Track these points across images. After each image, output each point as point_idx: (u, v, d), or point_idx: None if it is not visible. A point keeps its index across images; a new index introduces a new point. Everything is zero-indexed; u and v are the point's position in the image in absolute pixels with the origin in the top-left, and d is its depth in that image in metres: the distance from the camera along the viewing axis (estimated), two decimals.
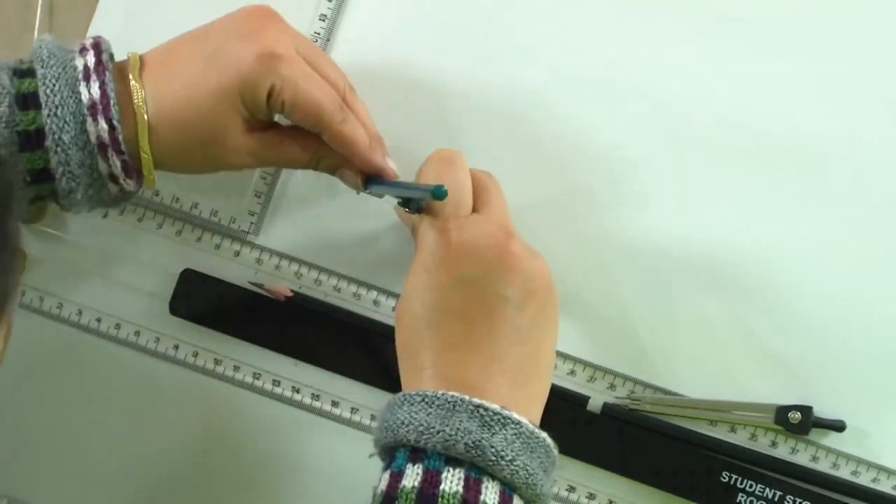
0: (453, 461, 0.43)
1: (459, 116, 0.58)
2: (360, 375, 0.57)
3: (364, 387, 0.57)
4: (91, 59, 0.49)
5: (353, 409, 0.58)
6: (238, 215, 0.58)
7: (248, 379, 0.58)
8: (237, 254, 0.59)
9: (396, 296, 0.58)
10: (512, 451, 0.44)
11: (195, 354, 0.58)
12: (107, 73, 0.48)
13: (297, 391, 0.58)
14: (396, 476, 0.44)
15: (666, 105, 0.58)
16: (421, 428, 0.44)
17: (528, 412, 0.46)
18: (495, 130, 0.58)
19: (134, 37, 0.58)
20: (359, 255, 0.58)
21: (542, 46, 0.58)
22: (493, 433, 0.44)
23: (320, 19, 0.59)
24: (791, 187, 0.57)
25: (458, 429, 0.43)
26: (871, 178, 0.57)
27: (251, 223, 0.58)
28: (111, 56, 0.50)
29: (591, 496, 0.57)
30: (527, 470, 0.44)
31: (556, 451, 0.46)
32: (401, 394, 0.46)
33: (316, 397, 0.58)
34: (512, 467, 0.43)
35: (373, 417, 0.57)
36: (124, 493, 0.58)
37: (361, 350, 0.58)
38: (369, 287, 0.58)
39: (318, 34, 0.59)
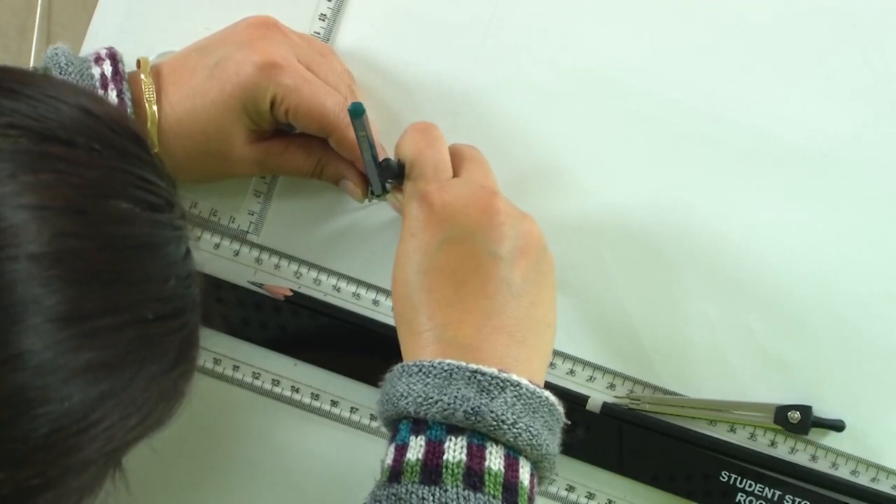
0: (455, 429, 0.43)
1: (458, 116, 0.58)
2: (359, 375, 0.57)
3: (363, 386, 0.57)
4: (108, 68, 0.50)
5: (352, 408, 0.58)
6: (237, 214, 0.58)
7: (248, 378, 0.58)
8: (236, 253, 0.59)
9: None
10: (513, 414, 0.43)
11: None
12: (124, 83, 0.49)
13: (297, 391, 0.58)
14: (401, 449, 0.44)
15: (667, 105, 0.58)
16: (419, 399, 0.44)
17: (528, 370, 0.46)
18: (495, 130, 0.58)
19: (132, 39, 0.58)
20: (358, 254, 0.58)
21: (541, 46, 0.58)
22: (493, 398, 0.43)
23: (320, 19, 0.59)
24: (792, 188, 0.57)
25: (455, 397, 0.43)
26: (873, 178, 0.57)
27: (250, 222, 0.58)
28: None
29: (591, 496, 0.57)
30: (530, 432, 0.43)
31: (560, 409, 0.46)
32: (399, 365, 0.46)
33: (315, 397, 0.58)
34: (514, 430, 0.43)
35: (372, 417, 0.58)
36: (119, 492, 0.58)
37: (361, 350, 0.58)
38: (369, 287, 0.58)
39: (318, 34, 0.59)
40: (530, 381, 0.45)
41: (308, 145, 0.53)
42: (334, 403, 0.58)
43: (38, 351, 0.31)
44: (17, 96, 0.34)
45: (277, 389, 0.58)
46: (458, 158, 0.51)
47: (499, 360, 0.45)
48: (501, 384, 0.44)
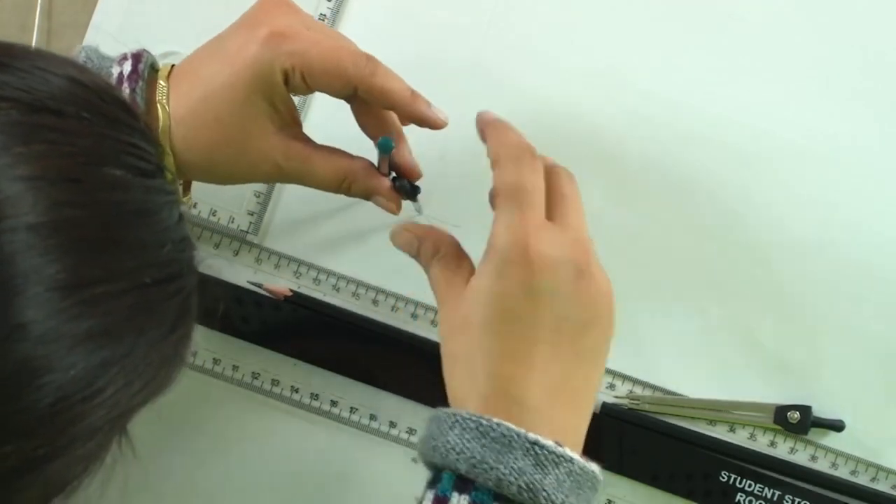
0: (502, 498, 0.42)
1: (458, 116, 0.58)
2: (358, 375, 0.57)
3: (363, 386, 0.57)
4: (128, 67, 0.48)
5: (351, 408, 0.58)
6: (237, 215, 0.58)
7: (247, 378, 0.58)
8: (236, 253, 0.59)
9: (395, 295, 0.58)
10: (562, 493, 0.42)
11: (194, 354, 0.58)
12: (139, 82, 0.48)
13: (296, 391, 0.58)
14: (440, 502, 0.42)
15: (668, 105, 0.58)
16: (473, 460, 0.42)
17: (577, 441, 0.45)
18: None
19: (132, 39, 0.58)
20: (358, 254, 0.58)
21: (542, 45, 0.58)
22: (546, 473, 0.42)
23: (320, 19, 0.59)
24: (792, 187, 0.57)
25: (512, 468, 0.41)
26: (873, 178, 0.57)
27: (250, 223, 0.58)
28: (153, 67, 0.49)
29: None
30: None
31: (601, 479, 0.45)
32: (452, 412, 0.44)
33: (315, 397, 0.58)
34: None
35: (372, 417, 0.57)
36: (115, 491, 0.58)
37: (360, 349, 0.57)
38: (368, 287, 0.58)
39: None
40: (580, 457, 0.43)
41: (333, 159, 0.51)
42: (334, 403, 0.58)
43: (41, 321, 0.31)
44: (5, 69, 0.34)
45: (277, 389, 0.58)
46: (553, 190, 0.47)
47: (556, 429, 0.44)
48: (557, 459, 0.42)
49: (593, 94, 0.58)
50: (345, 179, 0.51)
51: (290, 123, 0.50)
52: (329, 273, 0.58)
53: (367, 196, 0.52)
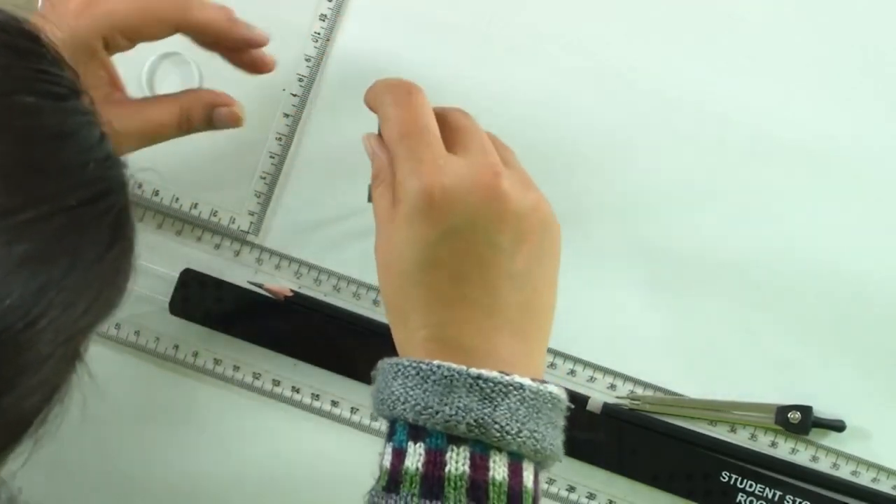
0: (456, 438, 0.41)
1: None
2: (359, 375, 0.57)
3: (364, 386, 0.57)
4: None
5: (352, 408, 0.58)
6: (238, 215, 0.59)
7: (248, 379, 0.58)
8: (237, 253, 0.59)
9: None
10: (517, 421, 0.41)
11: (195, 354, 0.58)
12: None
13: (297, 391, 0.58)
14: (398, 453, 0.42)
15: (668, 105, 0.58)
16: (418, 407, 0.41)
17: (529, 366, 0.44)
18: (496, 130, 0.58)
19: None
20: (358, 254, 0.58)
21: (543, 46, 0.58)
22: (496, 406, 0.41)
23: (320, 19, 0.59)
24: (793, 187, 0.57)
25: (458, 407, 0.41)
26: (873, 178, 0.57)
27: (251, 223, 0.59)
28: None
29: (591, 496, 0.57)
30: (534, 437, 0.41)
31: (563, 397, 0.43)
32: (394, 361, 0.44)
33: (316, 397, 0.58)
34: (518, 439, 0.41)
35: (373, 417, 0.58)
36: (115, 490, 0.58)
37: (361, 350, 0.58)
38: (369, 287, 0.58)
39: (318, 34, 0.59)
40: (532, 379, 0.42)
41: (164, 100, 0.51)
42: (335, 404, 0.58)
43: None
44: None
45: (278, 390, 0.58)
46: (447, 128, 0.46)
47: (502, 361, 0.43)
48: (504, 389, 0.41)
49: (593, 94, 0.58)
50: (181, 110, 0.51)
51: (115, 88, 0.50)
52: (330, 273, 0.58)
53: (209, 114, 0.51)
